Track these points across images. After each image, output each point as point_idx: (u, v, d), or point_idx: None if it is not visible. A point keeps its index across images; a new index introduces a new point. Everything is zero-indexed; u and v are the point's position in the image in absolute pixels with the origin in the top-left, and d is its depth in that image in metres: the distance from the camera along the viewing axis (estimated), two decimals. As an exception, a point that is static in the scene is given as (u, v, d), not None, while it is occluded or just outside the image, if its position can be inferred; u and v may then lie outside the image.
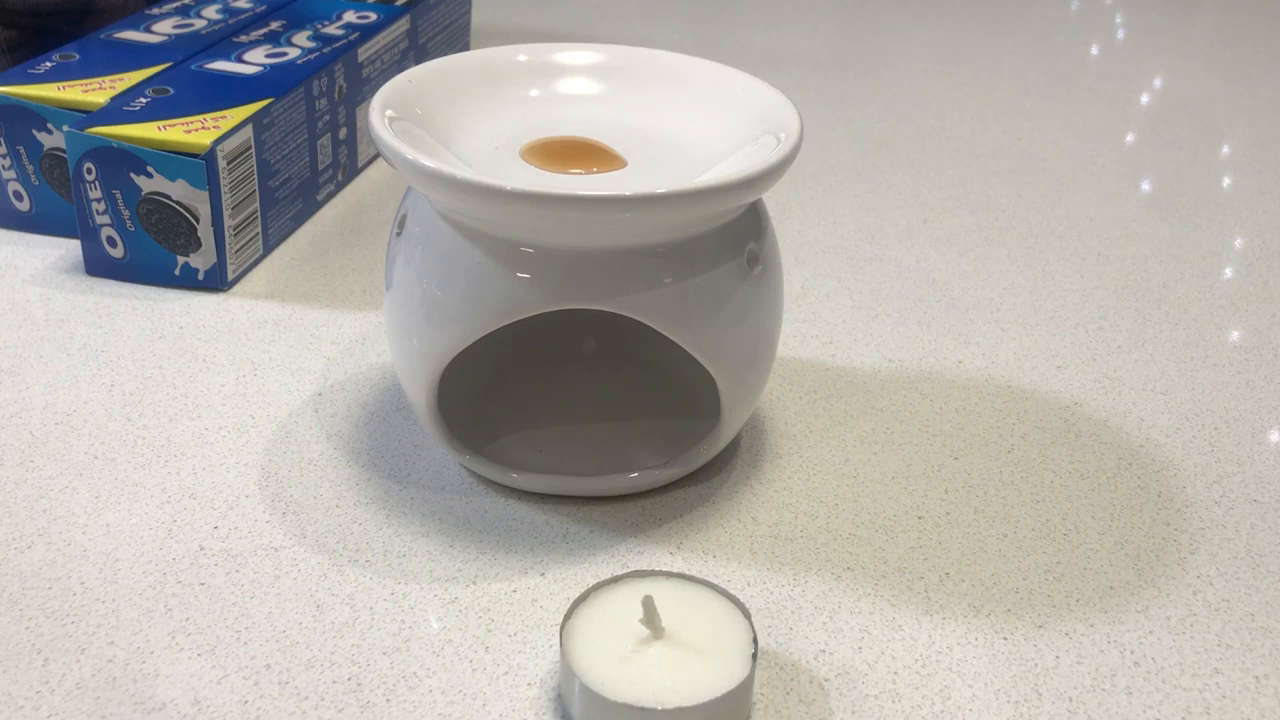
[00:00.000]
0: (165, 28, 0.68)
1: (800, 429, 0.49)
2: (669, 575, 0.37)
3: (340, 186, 0.69)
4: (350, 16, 0.71)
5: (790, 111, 0.42)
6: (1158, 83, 0.94)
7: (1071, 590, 0.41)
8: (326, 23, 0.70)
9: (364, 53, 0.69)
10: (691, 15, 1.04)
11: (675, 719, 0.33)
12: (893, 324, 0.58)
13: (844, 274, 0.62)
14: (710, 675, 0.34)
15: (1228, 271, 0.64)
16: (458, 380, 0.45)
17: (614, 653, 0.35)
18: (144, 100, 0.58)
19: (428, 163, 0.37)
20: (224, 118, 0.57)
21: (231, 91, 0.60)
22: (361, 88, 0.69)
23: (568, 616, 0.36)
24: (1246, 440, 0.50)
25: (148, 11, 0.70)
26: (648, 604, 0.35)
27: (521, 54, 0.47)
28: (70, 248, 0.60)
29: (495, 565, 0.41)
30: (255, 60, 0.64)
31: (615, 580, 0.37)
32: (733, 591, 0.39)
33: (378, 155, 0.73)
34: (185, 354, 0.52)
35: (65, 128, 0.55)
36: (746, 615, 0.36)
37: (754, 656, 0.35)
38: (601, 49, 0.47)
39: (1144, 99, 0.90)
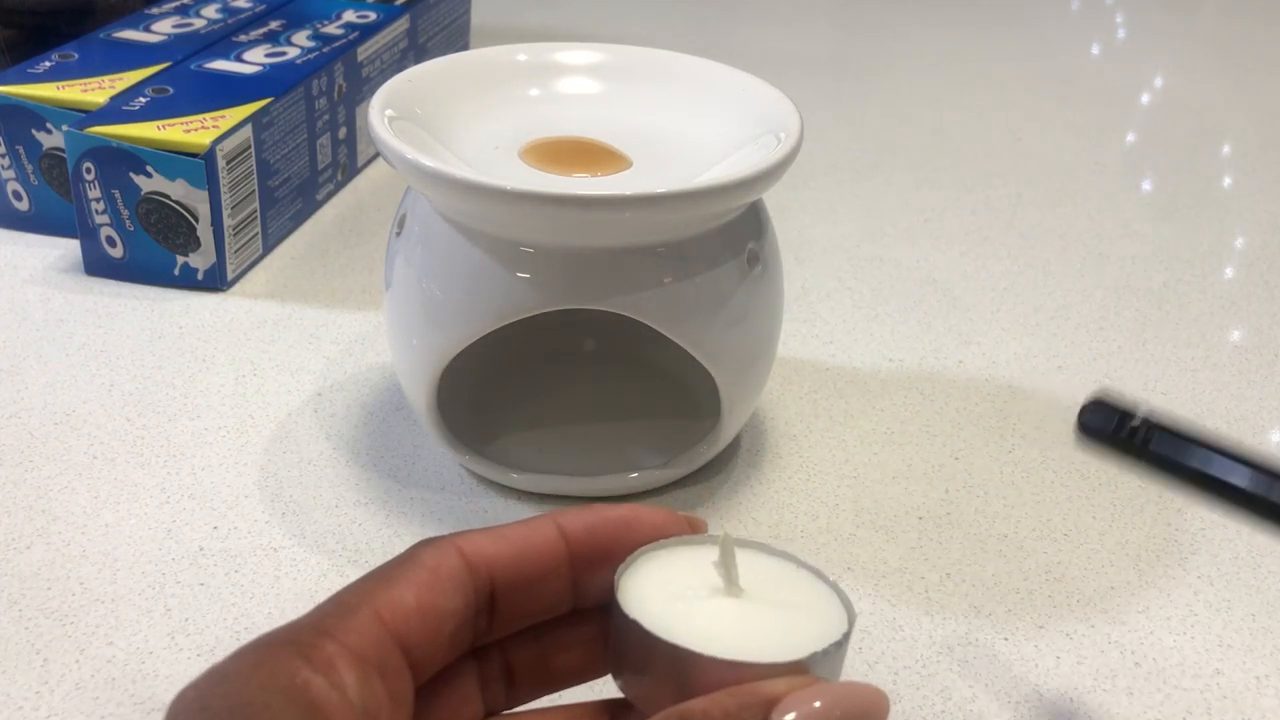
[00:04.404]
0: (164, 27, 0.68)
1: (800, 429, 0.49)
2: (747, 544, 0.28)
3: (340, 186, 0.69)
4: (350, 16, 0.71)
5: (790, 111, 0.42)
6: (1158, 83, 0.94)
7: (1071, 590, 0.41)
8: (326, 22, 0.70)
9: (364, 52, 0.69)
10: (691, 15, 1.04)
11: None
12: (893, 324, 0.57)
13: (844, 274, 0.62)
14: (798, 633, 0.26)
15: (1228, 271, 0.64)
16: (458, 380, 0.45)
17: (679, 602, 0.26)
18: (143, 100, 0.58)
19: (428, 163, 0.37)
20: (223, 117, 0.57)
21: (231, 91, 0.60)
22: (361, 87, 0.69)
23: (625, 567, 0.27)
24: (1247, 440, 0.50)
25: (147, 11, 0.70)
26: (726, 546, 0.27)
27: (521, 54, 0.47)
28: (69, 248, 0.60)
29: (495, 565, 0.41)
30: (255, 60, 0.64)
31: (685, 541, 0.28)
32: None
33: (377, 155, 0.73)
34: (185, 354, 0.52)
35: (64, 127, 0.55)
36: (839, 593, 0.27)
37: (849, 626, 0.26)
38: (601, 49, 0.47)
39: (1144, 99, 0.90)
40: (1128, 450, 0.31)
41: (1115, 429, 0.31)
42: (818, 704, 0.22)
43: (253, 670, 0.22)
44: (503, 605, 0.26)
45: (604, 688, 0.27)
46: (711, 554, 0.27)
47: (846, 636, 0.25)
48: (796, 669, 0.24)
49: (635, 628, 0.25)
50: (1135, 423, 0.31)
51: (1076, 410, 0.32)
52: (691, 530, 0.28)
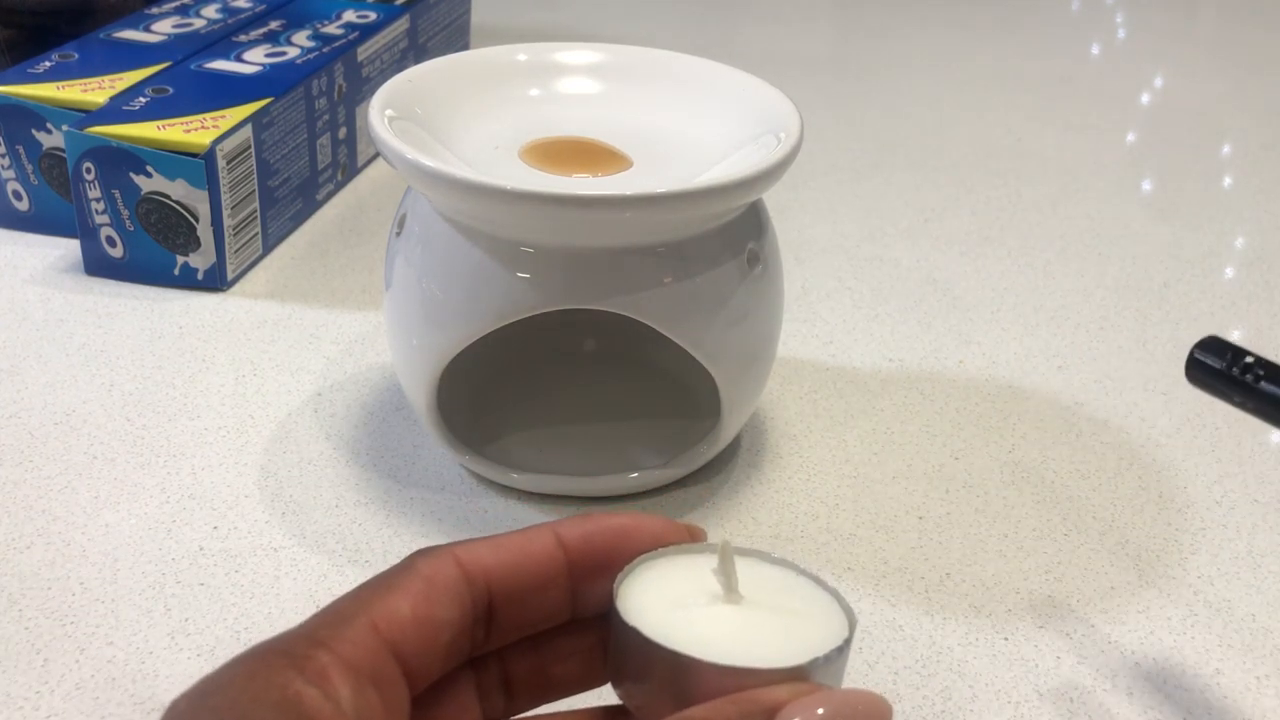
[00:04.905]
0: (165, 27, 0.68)
1: (800, 429, 0.49)
2: (746, 552, 0.28)
3: (340, 186, 0.69)
4: (350, 16, 0.71)
5: (790, 111, 0.42)
6: (1158, 83, 0.94)
7: (1071, 590, 0.41)
8: (326, 22, 0.70)
9: (363, 52, 0.69)
10: (691, 15, 1.04)
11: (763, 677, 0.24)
12: (893, 324, 0.57)
13: (844, 274, 0.62)
14: (799, 639, 0.25)
15: (1228, 271, 0.64)
16: (458, 380, 0.45)
17: (679, 610, 0.26)
18: (143, 100, 0.58)
19: (428, 163, 0.37)
20: (223, 117, 0.57)
21: (231, 91, 0.60)
22: (361, 87, 0.69)
23: (624, 576, 0.27)
24: (1247, 440, 0.50)
25: (147, 11, 0.70)
26: (725, 553, 0.26)
27: (521, 54, 0.47)
28: (69, 248, 0.60)
29: (495, 565, 0.41)
30: (255, 60, 0.64)
31: (684, 549, 0.28)
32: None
33: (377, 155, 0.73)
34: (185, 354, 0.52)
35: (64, 127, 0.55)
36: (840, 600, 0.27)
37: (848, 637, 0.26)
38: (601, 49, 0.47)
39: (1144, 99, 0.90)
40: (1237, 387, 0.33)
41: (1228, 366, 0.33)
42: (820, 711, 0.22)
43: (245, 681, 0.22)
44: (501, 615, 0.26)
45: (603, 696, 0.27)
46: (710, 562, 0.27)
47: (848, 643, 0.25)
48: (798, 675, 0.24)
49: (634, 635, 0.25)
50: (1249, 359, 0.33)
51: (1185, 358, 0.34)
52: (690, 539, 0.28)
